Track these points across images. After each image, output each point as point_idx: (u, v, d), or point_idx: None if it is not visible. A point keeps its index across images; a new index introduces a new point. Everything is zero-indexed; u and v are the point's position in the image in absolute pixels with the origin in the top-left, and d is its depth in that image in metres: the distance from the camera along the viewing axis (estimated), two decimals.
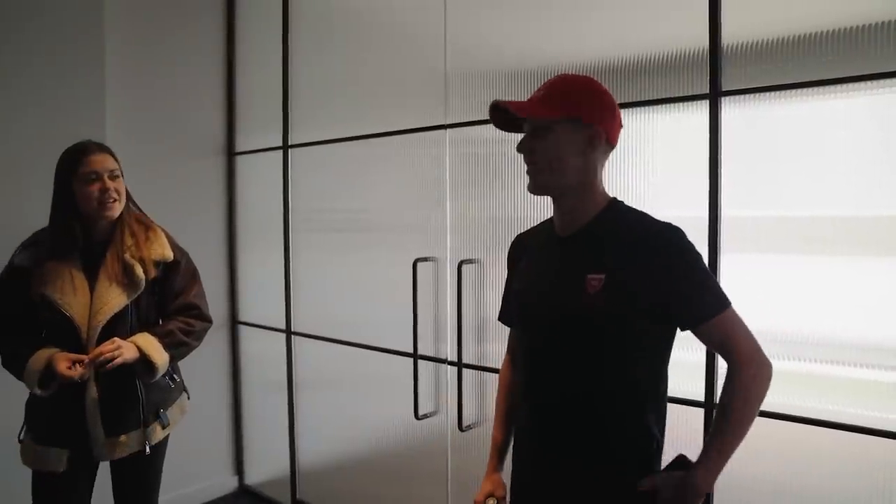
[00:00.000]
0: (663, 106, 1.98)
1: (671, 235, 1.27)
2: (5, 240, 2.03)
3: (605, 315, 1.27)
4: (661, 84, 1.99)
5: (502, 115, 1.37)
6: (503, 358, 1.65)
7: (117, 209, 1.94)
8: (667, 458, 1.37)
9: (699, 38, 1.90)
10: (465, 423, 2.44)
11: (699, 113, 1.90)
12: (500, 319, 1.61)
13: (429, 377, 2.59)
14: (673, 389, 1.71)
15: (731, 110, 1.87)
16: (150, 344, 1.92)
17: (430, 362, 2.59)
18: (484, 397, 2.46)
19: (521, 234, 1.57)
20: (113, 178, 1.92)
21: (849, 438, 1.71)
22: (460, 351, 2.45)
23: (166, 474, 3.26)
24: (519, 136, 1.37)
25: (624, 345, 1.29)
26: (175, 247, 2.08)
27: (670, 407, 1.71)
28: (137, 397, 1.96)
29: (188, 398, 2.23)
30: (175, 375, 2.12)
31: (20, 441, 1.96)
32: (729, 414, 1.26)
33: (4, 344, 1.93)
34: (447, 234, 2.53)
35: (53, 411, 1.90)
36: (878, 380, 1.70)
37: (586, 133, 1.29)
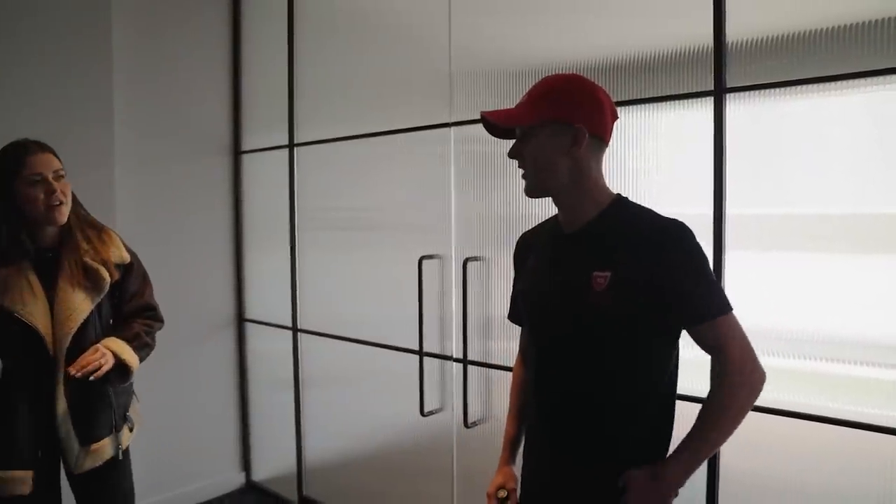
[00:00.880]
0: (668, 103, 1.98)
1: (678, 233, 1.27)
2: None
3: (612, 313, 1.27)
4: (665, 81, 1.99)
5: (495, 127, 1.39)
6: (515, 355, 1.66)
7: (65, 212, 1.83)
8: None
9: (704, 35, 1.89)
10: (470, 419, 2.46)
11: (704, 110, 1.90)
12: (509, 318, 1.61)
13: (434, 374, 2.60)
14: (683, 387, 1.73)
15: (735, 107, 1.87)
16: (123, 349, 1.88)
17: (435, 359, 2.59)
18: (489, 394, 2.47)
19: (525, 233, 1.57)
20: (58, 178, 1.81)
21: (853, 435, 1.71)
22: (465, 348, 2.46)
23: (174, 470, 3.30)
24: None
25: (630, 343, 1.29)
26: (127, 248, 2.01)
27: (681, 404, 1.73)
28: (109, 403, 1.90)
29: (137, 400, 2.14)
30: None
31: None
32: (707, 416, 1.27)
33: None
34: (452, 231, 2.54)
35: (12, 432, 1.78)
36: (881, 378, 1.70)
37: (570, 133, 1.29)
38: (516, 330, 1.64)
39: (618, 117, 1.38)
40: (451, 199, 2.53)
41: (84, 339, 1.84)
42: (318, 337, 3.16)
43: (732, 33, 1.86)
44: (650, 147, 2.03)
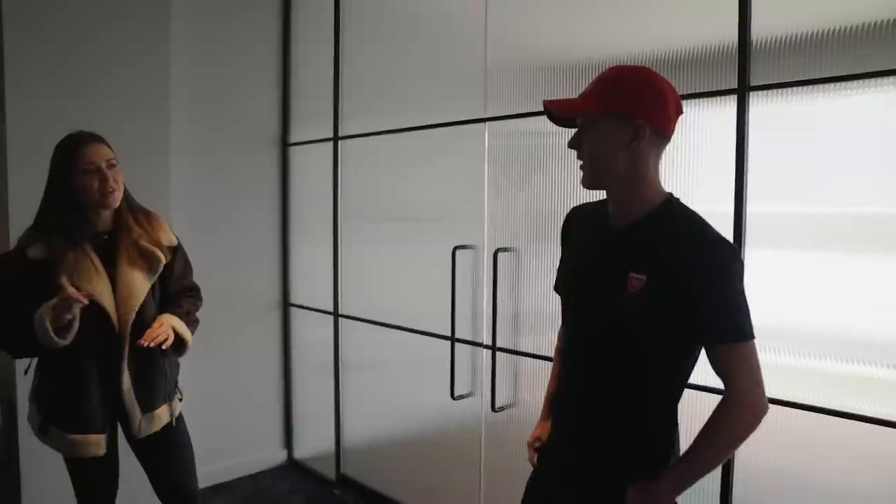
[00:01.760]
0: (692, 100, 2.01)
1: (723, 251, 1.26)
2: None
3: (640, 316, 1.27)
4: (691, 79, 2.03)
5: (557, 114, 1.37)
6: (550, 342, 1.69)
7: (118, 197, 1.94)
8: None
9: (728, 34, 1.92)
10: (498, 404, 2.54)
11: (727, 108, 1.94)
12: (554, 289, 1.57)
13: (465, 360, 2.70)
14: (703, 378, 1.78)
15: (758, 105, 1.89)
16: (179, 324, 2.01)
17: (466, 345, 2.69)
18: (517, 380, 2.56)
19: (576, 207, 1.58)
20: (110, 167, 1.92)
21: (871, 431, 1.73)
22: (494, 335, 2.54)
23: (220, 445, 3.48)
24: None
25: (653, 348, 1.30)
26: (173, 232, 2.15)
27: (699, 395, 1.80)
28: (164, 374, 2.06)
29: None
30: None
31: (43, 432, 1.97)
32: (705, 437, 1.30)
33: (7, 319, 1.88)
34: (485, 223, 2.63)
35: (87, 402, 1.93)
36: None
37: (631, 127, 1.27)
38: (543, 319, 1.69)
39: (682, 112, 1.35)
40: (484, 192, 2.62)
41: (144, 316, 1.97)
42: (357, 322, 3.30)
43: (757, 31, 1.89)
44: (673, 144, 2.07)
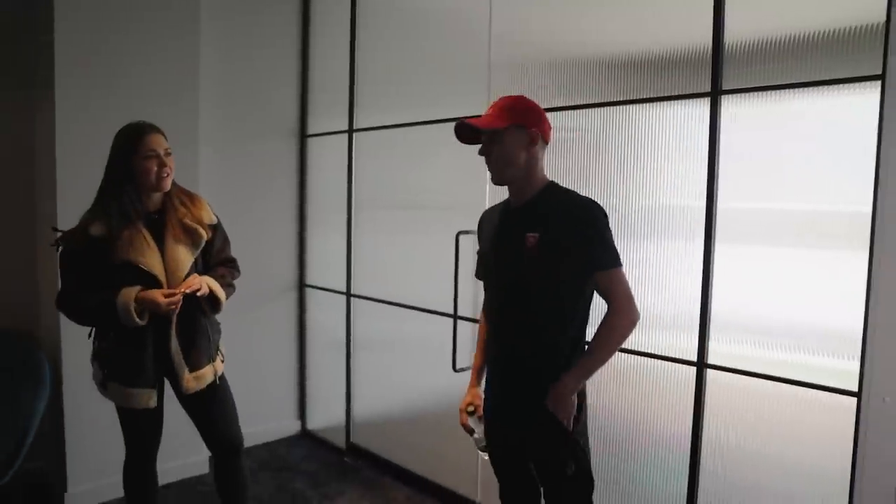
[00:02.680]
0: (667, 102, 2.23)
1: (587, 206, 1.74)
2: None
3: (538, 262, 1.74)
4: (668, 81, 2.24)
5: (466, 133, 1.82)
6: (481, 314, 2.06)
7: (169, 182, 2.20)
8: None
9: (703, 40, 2.13)
10: None
11: (700, 109, 2.15)
12: (476, 276, 2.03)
13: (466, 335, 2.92)
14: (666, 348, 2.01)
15: (729, 108, 2.10)
16: (214, 284, 2.25)
17: (467, 322, 2.92)
18: None
19: (484, 211, 2.03)
20: (167, 155, 2.16)
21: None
22: None
23: (242, 413, 3.69)
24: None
25: (551, 285, 1.75)
26: (213, 211, 2.39)
27: (664, 365, 2.14)
28: (208, 337, 2.30)
29: None
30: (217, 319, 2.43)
31: (104, 387, 2.23)
32: (596, 341, 1.73)
33: (89, 299, 2.13)
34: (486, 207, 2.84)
35: (142, 361, 2.17)
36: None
37: (528, 134, 1.77)
38: None
39: (551, 127, 1.85)
40: (486, 182, 2.82)
41: None
42: (368, 301, 3.55)
43: (729, 39, 2.09)
44: (650, 143, 2.30)
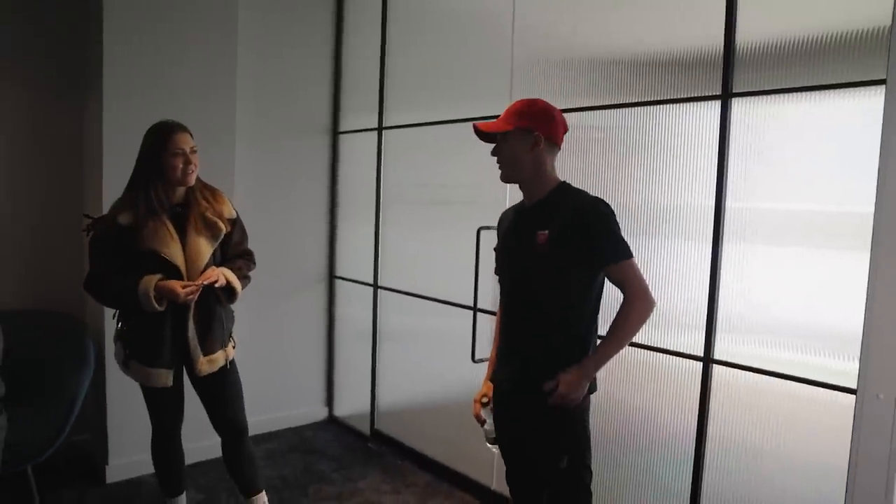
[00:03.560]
0: (679, 105, 2.29)
1: (595, 204, 1.82)
2: None
3: (548, 258, 1.81)
4: (679, 83, 2.30)
5: (481, 134, 1.91)
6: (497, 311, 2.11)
7: (194, 178, 2.33)
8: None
9: (715, 44, 2.19)
10: None
11: (711, 112, 2.21)
12: (495, 272, 2.08)
13: (485, 327, 3.01)
14: (674, 343, 2.08)
15: (739, 110, 2.15)
16: (230, 275, 2.38)
17: (487, 315, 3.01)
18: None
19: (504, 210, 2.11)
20: (193, 152, 2.29)
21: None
22: None
23: (270, 399, 3.90)
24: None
25: (562, 280, 1.82)
26: (233, 206, 2.50)
27: (671, 360, 2.20)
28: (222, 324, 2.42)
29: None
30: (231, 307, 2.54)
31: (126, 365, 2.37)
32: (614, 328, 1.80)
33: (113, 283, 2.27)
34: (506, 206, 2.91)
35: (160, 343, 2.30)
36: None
37: (531, 137, 1.84)
38: None
39: (568, 129, 1.92)
40: None
41: None
42: (393, 293, 3.67)
43: (740, 43, 2.14)
44: (661, 144, 2.36)
